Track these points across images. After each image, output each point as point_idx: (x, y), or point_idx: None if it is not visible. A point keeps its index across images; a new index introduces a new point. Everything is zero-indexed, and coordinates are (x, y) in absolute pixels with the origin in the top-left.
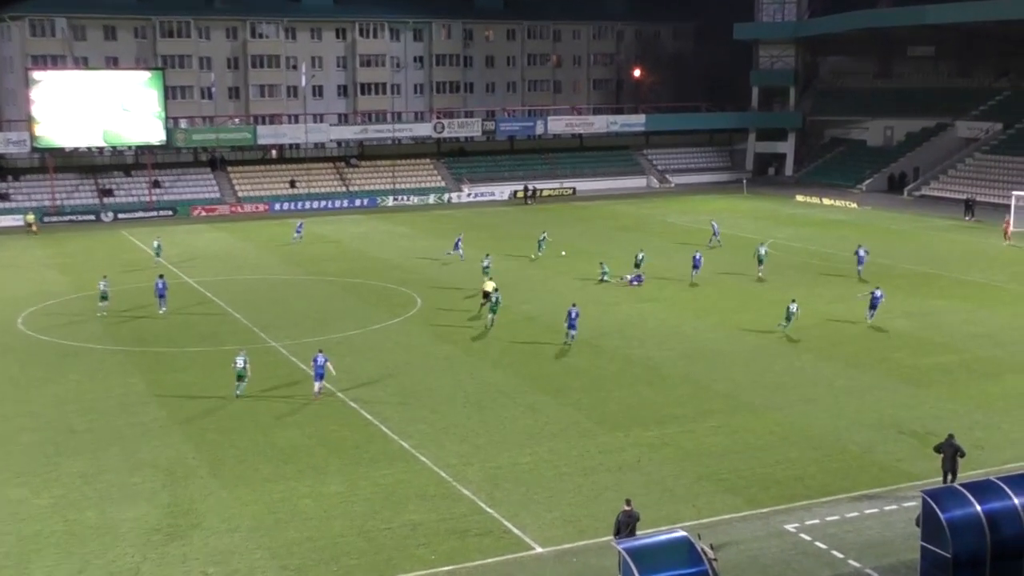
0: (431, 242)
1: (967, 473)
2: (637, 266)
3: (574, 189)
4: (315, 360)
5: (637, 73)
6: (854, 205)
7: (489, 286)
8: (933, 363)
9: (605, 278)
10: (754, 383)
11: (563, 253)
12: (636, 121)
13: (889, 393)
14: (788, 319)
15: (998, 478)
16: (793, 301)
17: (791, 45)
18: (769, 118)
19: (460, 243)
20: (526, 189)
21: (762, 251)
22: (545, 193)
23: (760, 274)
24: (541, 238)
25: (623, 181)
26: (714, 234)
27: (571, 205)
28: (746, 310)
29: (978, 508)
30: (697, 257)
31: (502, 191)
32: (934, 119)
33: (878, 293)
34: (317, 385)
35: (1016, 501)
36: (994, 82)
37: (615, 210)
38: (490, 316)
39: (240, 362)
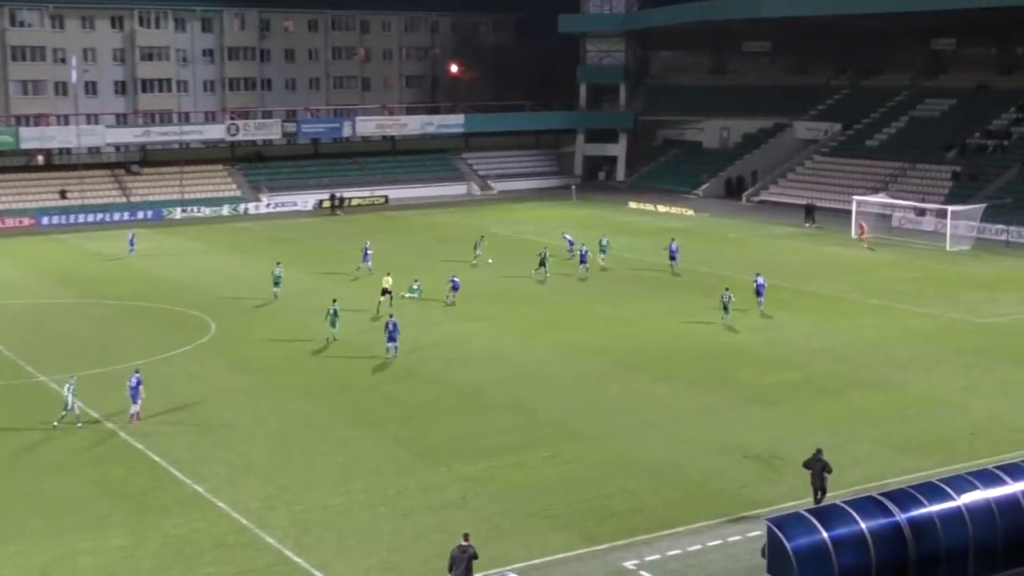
0: (226, 258)
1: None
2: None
3: (386, 197)
4: (129, 381)
5: (454, 69)
6: (690, 212)
7: (387, 282)
8: (777, 381)
9: (410, 295)
10: (587, 408)
11: (490, 261)
12: (454, 121)
13: (732, 415)
14: (726, 309)
15: (844, 502)
16: (727, 289)
17: (620, 39)
18: (598, 118)
19: (369, 253)
20: (333, 198)
21: (604, 242)
22: (354, 202)
23: (602, 262)
24: (478, 242)
25: (441, 188)
26: (570, 247)
27: (384, 215)
28: (576, 328)
29: (824, 535)
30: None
31: (306, 200)
32: (772, 119)
33: (760, 280)
34: (133, 408)
35: (863, 526)
36: (832, 79)
37: (433, 220)
38: (331, 330)
39: (67, 393)
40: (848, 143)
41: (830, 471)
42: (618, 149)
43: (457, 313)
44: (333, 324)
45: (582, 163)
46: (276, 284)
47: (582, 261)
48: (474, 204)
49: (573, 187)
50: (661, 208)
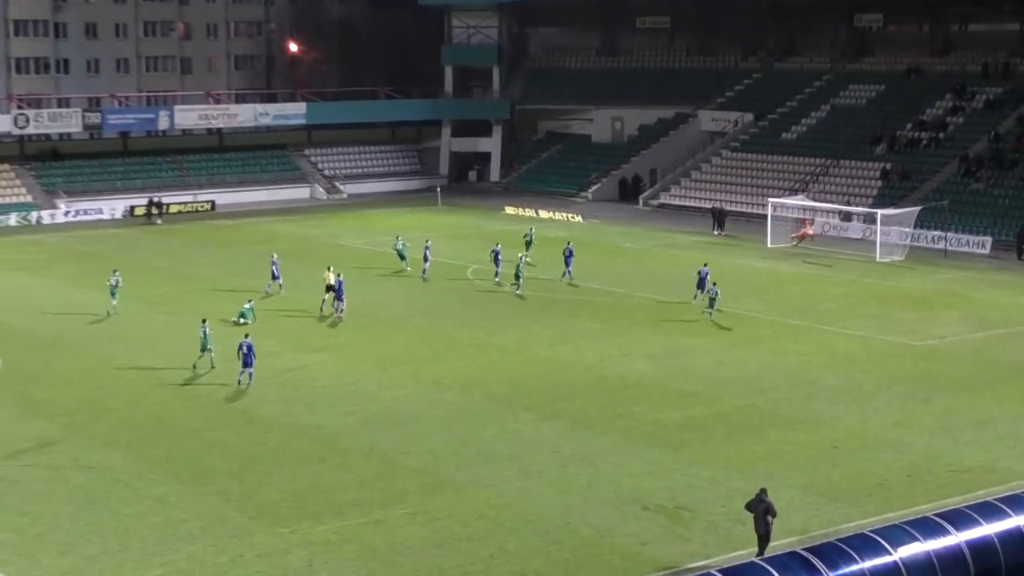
0: (13, 279)
1: (726, 557)
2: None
3: (213, 203)
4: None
5: (294, 48)
6: (578, 218)
7: (330, 277)
8: (682, 418)
9: (242, 320)
10: (458, 454)
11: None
12: (294, 111)
13: (629, 459)
14: (712, 304)
15: (762, 559)
16: (714, 284)
17: (493, 13)
18: (468, 107)
19: (277, 266)
20: (151, 203)
21: (399, 245)
22: (173, 209)
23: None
24: (399, 246)
25: (280, 191)
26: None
27: (210, 224)
28: (444, 358)
29: None
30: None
31: (114, 207)
32: (672, 108)
33: (705, 269)
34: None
35: None
36: (742, 61)
37: (270, 230)
38: (206, 354)
39: None
40: (761, 136)
41: (774, 515)
42: (492, 144)
43: (299, 341)
44: (205, 347)
45: (449, 161)
46: (113, 295)
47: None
48: (320, 210)
49: (438, 190)
50: (543, 214)
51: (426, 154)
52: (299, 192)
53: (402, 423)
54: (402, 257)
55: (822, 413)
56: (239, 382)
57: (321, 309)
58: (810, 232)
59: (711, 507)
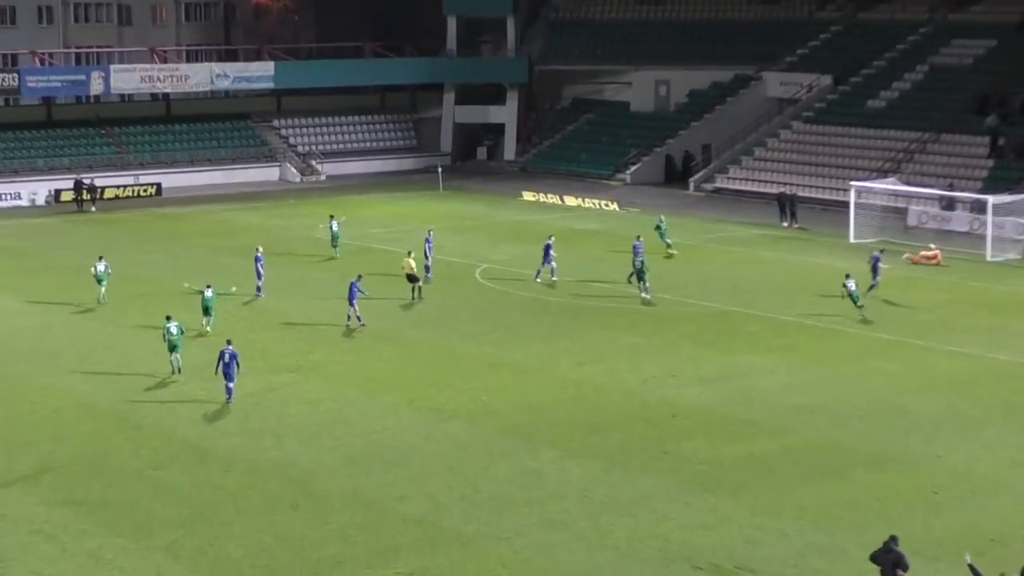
0: None
1: None
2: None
3: (158, 186)
4: None
5: None
6: (613, 206)
7: (409, 265)
8: (742, 455)
9: (169, 335)
10: (464, 500)
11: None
12: (260, 73)
13: (677, 507)
14: (855, 299)
15: None
16: (848, 276)
17: None
18: (476, 68)
19: (262, 264)
20: (80, 187)
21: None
22: (109, 193)
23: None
24: (333, 227)
25: (242, 172)
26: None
27: (155, 213)
28: (448, 380)
29: None
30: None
31: (35, 191)
32: (731, 69)
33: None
34: None
35: None
36: (817, 11)
37: (229, 221)
38: (173, 360)
39: None
40: (842, 104)
41: (906, 568)
42: (505, 114)
43: (267, 358)
44: (173, 347)
45: (453, 135)
46: (100, 283)
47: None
48: (292, 196)
49: (439, 170)
50: (570, 200)
51: (424, 126)
52: (266, 173)
53: (394, 461)
54: (335, 242)
55: (918, 450)
56: (228, 400)
57: (414, 296)
58: (931, 258)
59: (779, 567)
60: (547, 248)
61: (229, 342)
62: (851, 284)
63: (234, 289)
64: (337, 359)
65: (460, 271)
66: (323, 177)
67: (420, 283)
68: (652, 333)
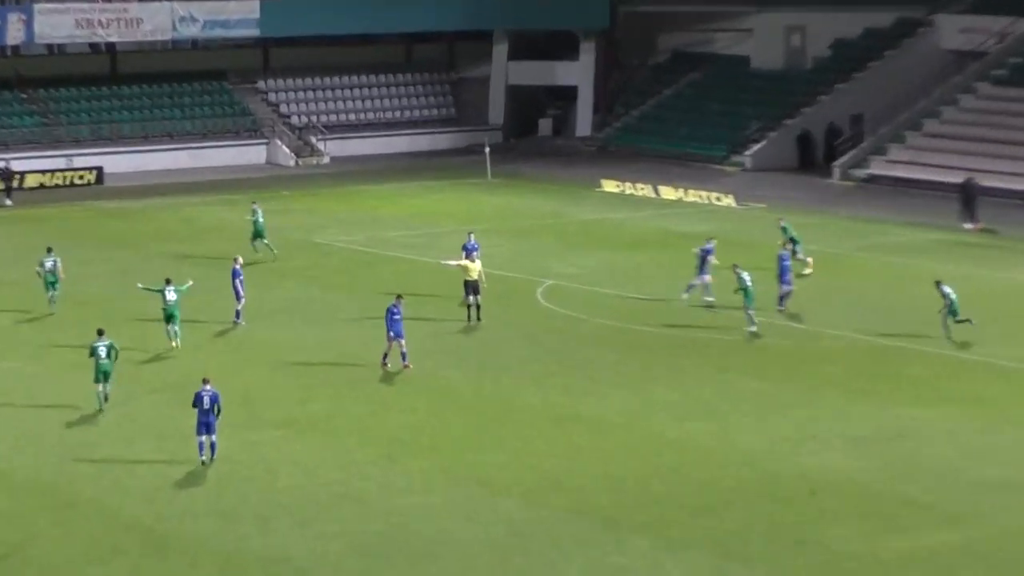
0: None
1: None
2: None
3: (99, 172)
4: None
5: None
6: (728, 200)
7: (475, 270)
8: (907, 550)
9: (97, 359)
10: None
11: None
12: (241, 16)
13: None
14: (953, 311)
15: None
16: (939, 282)
17: None
18: (538, 9)
19: (241, 281)
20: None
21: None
22: (32, 180)
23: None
24: (256, 218)
25: (215, 153)
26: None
27: (95, 208)
28: (497, 441)
29: None
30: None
31: None
32: (891, 10)
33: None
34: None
35: None
36: None
37: (196, 220)
38: (100, 390)
39: None
40: None
41: None
42: (579, 73)
43: (250, 408)
44: (102, 376)
45: (506, 102)
46: (51, 286)
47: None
48: (284, 185)
49: (487, 151)
50: (667, 193)
51: (466, 91)
52: (248, 154)
53: (423, 553)
54: (258, 235)
55: None
56: (203, 460)
57: (469, 319)
58: None
59: None
60: (704, 255)
61: (206, 381)
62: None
63: (190, 283)
64: (345, 410)
65: (516, 290)
66: (326, 159)
67: (480, 297)
68: (782, 377)
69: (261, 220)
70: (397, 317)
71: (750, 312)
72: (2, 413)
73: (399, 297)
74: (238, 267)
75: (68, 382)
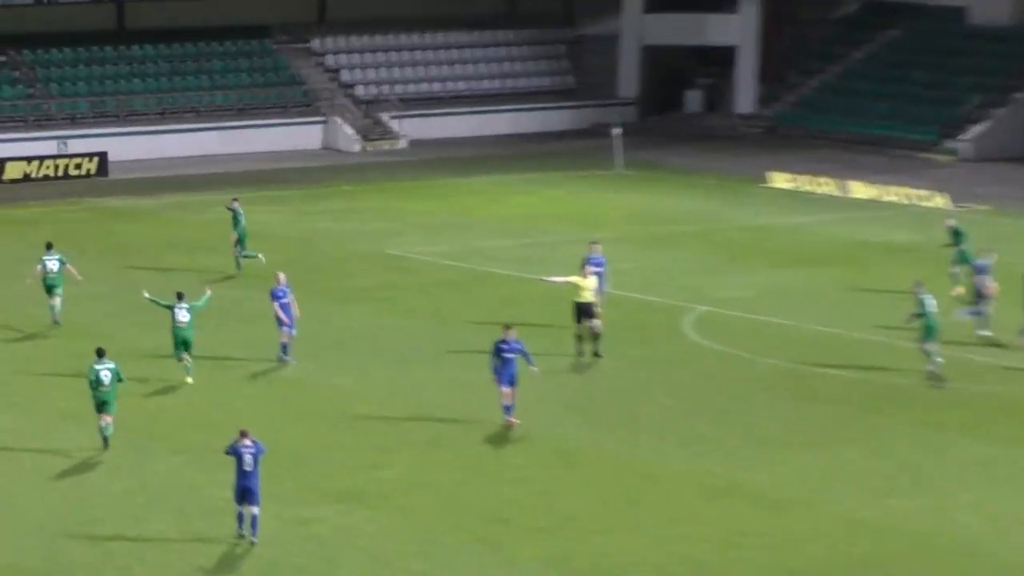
0: None
1: None
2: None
3: (102, 159)
4: None
5: None
6: (940, 201)
7: (589, 289)
8: None
9: (98, 387)
10: None
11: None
12: None
13: None
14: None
15: None
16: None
17: None
18: None
19: (287, 301)
20: None
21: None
22: (13, 171)
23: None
24: (236, 208)
25: (255, 135)
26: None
27: (96, 207)
28: (632, 526)
29: None
30: None
31: None
32: None
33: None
34: None
35: None
36: None
37: (228, 225)
38: (102, 429)
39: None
40: None
41: None
42: (737, 30)
43: (303, 476)
44: (104, 407)
45: (641, 69)
46: (51, 291)
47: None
48: (345, 180)
49: (616, 132)
50: (857, 190)
51: (587, 53)
52: (299, 136)
53: None
54: (241, 241)
55: None
56: (241, 534)
57: (581, 352)
58: None
59: None
60: (979, 274)
61: (245, 434)
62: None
63: (208, 295)
64: (428, 479)
65: (655, 319)
66: (402, 144)
67: (599, 323)
68: (1016, 438)
69: (243, 222)
70: (509, 356)
71: (928, 347)
72: None
73: (508, 328)
74: (281, 287)
75: (60, 433)
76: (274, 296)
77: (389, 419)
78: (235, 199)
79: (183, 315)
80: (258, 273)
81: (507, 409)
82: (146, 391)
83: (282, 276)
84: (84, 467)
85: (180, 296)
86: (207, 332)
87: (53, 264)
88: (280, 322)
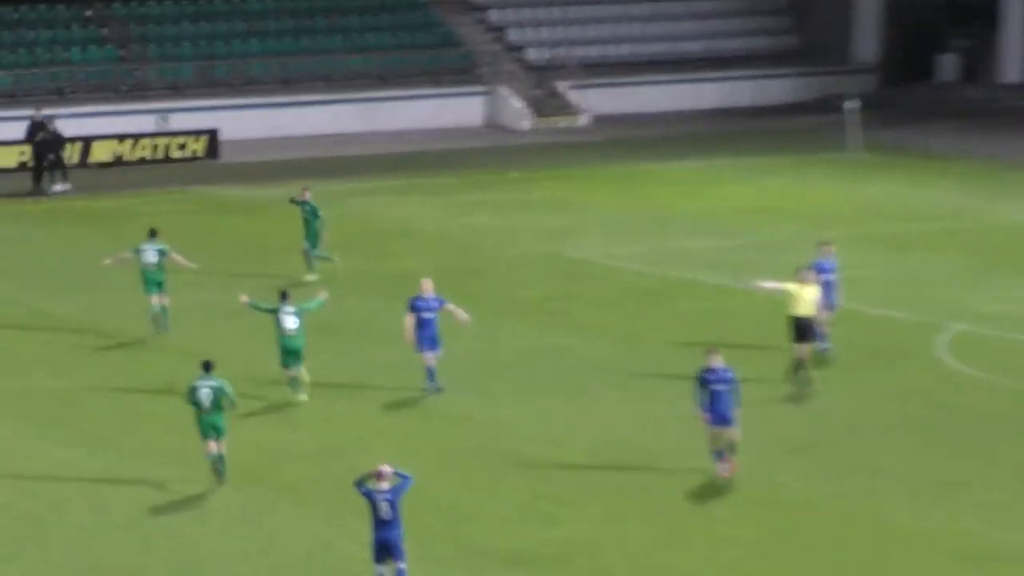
0: None
1: None
2: None
3: (211, 137)
4: None
5: None
6: None
7: (809, 301)
8: None
9: (201, 410)
10: None
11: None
12: None
13: None
14: None
15: None
16: None
17: None
18: None
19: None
20: (38, 139)
21: None
22: (101, 151)
23: None
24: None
25: (406, 111)
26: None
27: (203, 197)
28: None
29: None
30: None
31: None
32: None
33: None
34: None
35: None
36: None
37: (371, 220)
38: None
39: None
40: None
41: None
42: None
43: (463, 536)
44: (212, 432)
45: (880, 27)
46: (154, 288)
47: None
48: (513, 165)
49: (849, 106)
50: None
51: (814, 6)
52: (458, 110)
53: None
54: (312, 242)
55: None
56: None
57: (798, 380)
58: None
59: None
60: None
61: (382, 475)
62: None
63: (322, 298)
64: (615, 538)
65: (902, 338)
66: (583, 120)
67: (816, 345)
68: None
69: (318, 212)
70: (721, 388)
71: None
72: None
73: (713, 351)
74: (426, 299)
75: (158, 472)
76: (414, 307)
77: (566, 464)
78: (306, 188)
79: (291, 321)
80: (398, 279)
81: (718, 456)
82: (261, 422)
83: (428, 284)
84: (188, 518)
85: (285, 296)
86: (334, 353)
87: (151, 255)
88: (421, 344)
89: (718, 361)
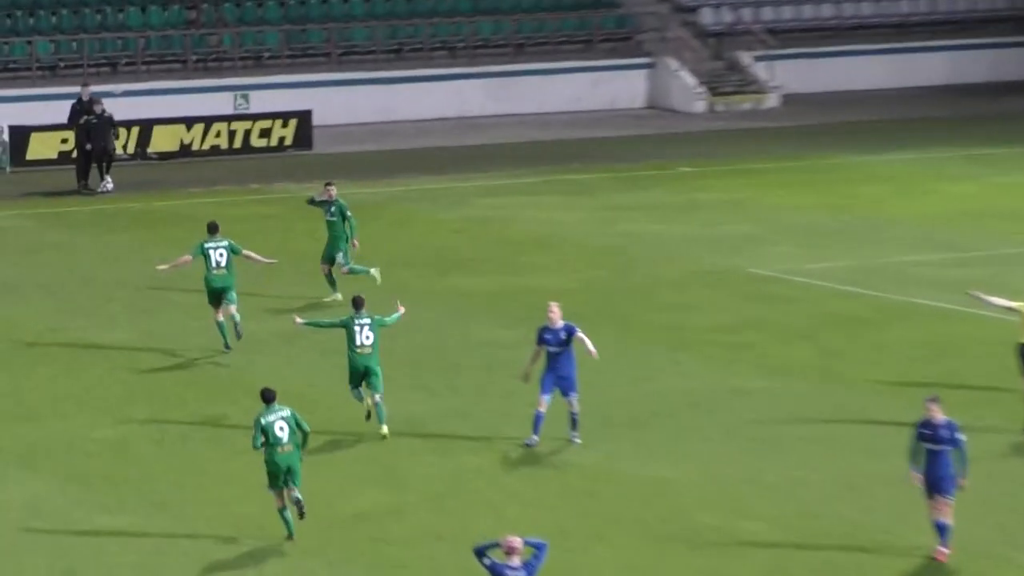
0: None
1: None
2: None
3: (302, 122)
4: None
5: None
6: None
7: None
8: None
9: (276, 447)
10: None
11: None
12: None
13: None
14: None
15: None
16: None
17: None
18: None
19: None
20: (81, 124)
21: None
22: (163, 139)
23: None
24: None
25: (549, 89)
26: None
27: (292, 201)
28: None
29: None
30: None
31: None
32: None
33: None
34: None
35: None
36: None
37: (498, 223)
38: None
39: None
40: None
41: None
42: None
43: None
44: (286, 476)
45: None
46: (222, 296)
47: None
48: (683, 156)
49: None
50: None
51: None
52: (615, 87)
53: None
54: (339, 241)
55: None
56: None
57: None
58: None
59: None
60: None
61: (513, 549)
62: None
63: (400, 313)
64: None
65: None
66: (773, 100)
67: None
68: None
69: (350, 217)
70: (938, 449)
71: None
72: None
73: (934, 402)
74: (554, 329)
75: (228, 531)
76: (542, 339)
77: (745, 538)
78: (330, 184)
79: (365, 335)
80: (534, 299)
81: (940, 529)
82: (347, 472)
83: (556, 309)
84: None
85: (358, 304)
86: (451, 390)
87: (220, 255)
88: (544, 381)
89: (938, 413)
